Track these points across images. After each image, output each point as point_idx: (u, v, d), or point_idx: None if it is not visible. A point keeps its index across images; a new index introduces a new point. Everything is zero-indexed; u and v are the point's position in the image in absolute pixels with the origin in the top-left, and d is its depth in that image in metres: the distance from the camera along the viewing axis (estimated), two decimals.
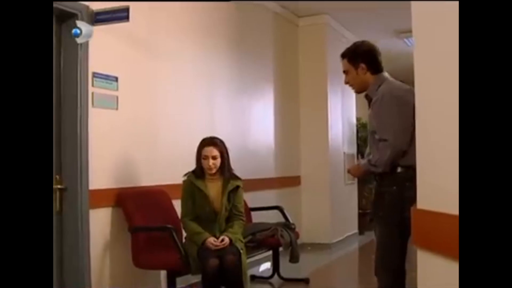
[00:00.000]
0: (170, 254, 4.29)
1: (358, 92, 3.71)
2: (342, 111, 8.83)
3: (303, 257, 5.98)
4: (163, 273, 4.78)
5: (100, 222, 4.41)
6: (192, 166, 4.54)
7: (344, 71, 3.64)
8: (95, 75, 4.37)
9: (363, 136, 9.82)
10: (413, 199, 3.20)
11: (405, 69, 9.99)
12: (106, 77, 4.48)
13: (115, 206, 4.53)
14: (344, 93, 8.91)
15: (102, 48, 4.45)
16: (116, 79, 4.57)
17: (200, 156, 4.48)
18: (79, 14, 4.25)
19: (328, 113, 8.20)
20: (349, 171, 3.77)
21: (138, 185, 4.80)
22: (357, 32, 9.13)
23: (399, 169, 3.33)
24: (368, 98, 3.57)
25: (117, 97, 4.58)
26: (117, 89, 4.59)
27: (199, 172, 4.48)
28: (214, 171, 4.45)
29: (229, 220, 4.48)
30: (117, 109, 4.59)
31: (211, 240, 4.24)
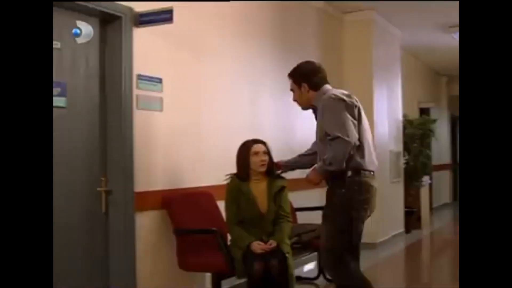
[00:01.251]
0: (216, 256, 4.27)
1: (304, 108, 4.06)
2: (388, 108, 8.68)
3: None
4: (208, 276, 4.76)
5: (145, 224, 4.42)
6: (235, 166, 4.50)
7: (291, 89, 4.02)
8: (139, 77, 4.37)
9: (410, 133, 9.67)
10: (360, 202, 3.66)
11: (452, 64, 9.82)
12: (150, 79, 4.48)
13: (160, 208, 4.53)
14: (389, 89, 8.78)
15: (146, 50, 4.45)
16: (160, 80, 4.56)
17: (247, 156, 4.39)
18: (123, 16, 4.27)
19: (373, 110, 8.06)
20: (310, 181, 3.82)
21: (183, 186, 4.79)
22: (403, 28, 8.99)
23: (349, 173, 3.62)
24: (314, 108, 3.91)
25: (161, 99, 4.58)
26: (161, 91, 4.58)
27: (243, 175, 4.40)
28: (265, 168, 4.39)
29: (275, 222, 4.41)
30: (161, 110, 4.58)
31: (256, 243, 4.19)
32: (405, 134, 9.51)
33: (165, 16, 4.28)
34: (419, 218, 10.02)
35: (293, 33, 6.83)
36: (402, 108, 9.44)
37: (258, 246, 4.17)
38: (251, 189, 4.37)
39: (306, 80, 3.90)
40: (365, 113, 7.78)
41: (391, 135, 8.80)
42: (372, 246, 7.87)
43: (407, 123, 9.75)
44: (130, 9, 4.32)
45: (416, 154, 9.75)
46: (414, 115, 10.79)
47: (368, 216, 3.88)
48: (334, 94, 3.73)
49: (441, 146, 13.26)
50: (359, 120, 3.71)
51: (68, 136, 4.00)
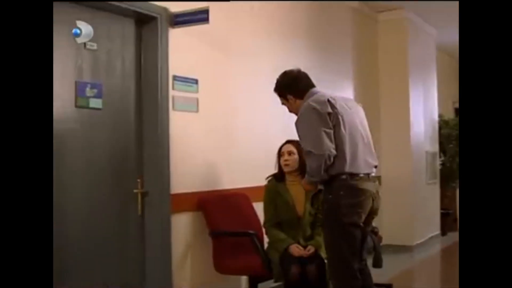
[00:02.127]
0: (252, 259, 4.22)
1: None
2: (424, 107, 8.54)
3: (385, 259, 5.81)
4: (244, 278, 4.72)
5: (181, 226, 4.40)
6: (271, 167, 4.47)
7: (282, 104, 4.00)
8: (175, 78, 4.34)
9: (446, 133, 9.52)
10: (349, 206, 3.56)
11: None
12: (186, 80, 4.45)
13: (196, 210, 4.50)
14: (425, 89, 8.64)
15: (182, 50, 4.43)
16: (196, 81, 4.53)
17: (278, 156, 4.42)
18: (158, 17, 4.25)
19: (409, 110, 7.94)
20: (305, 188, 4.02)
21: (219, 188, 4.76)
22: (439, 26, 8.83)
23: (343, 177, 3.55)
24: None
25: (197, 100, 4.55)
26: (197, 92, 4.55)
27: (280, 176, 4.39)
28: (289, 168, 4.35)
29: (314, 225, 4.35)
30: (197, 111, 4.55)
31: (295, 246, 4.13)
32: (441, 135, 9.36)
33: (201, 16, 4.24)
34: (455, 220, 9.85)
35: (328, 33, 6.75)
36: (438, 107, 9.29)
37: (296, 250, 4.11)
38: (288, 190, 4.33)
39: (289, 91, 3.89)
40: (401, 113, 7.84)
41: (427, 136, 8.66)
42: (409, 249, 7.77)
43: (443, 123, 9.59)
44: (166, 9, 4.30)
45: (453, 155, 9.58)
46: (449, 115, 10.62)
47: (371, 218, 3.77)
48: (309, 103, 3.67)
49: None
50: (337, 125, 3.59)
51: (104, 137, 3.99)
